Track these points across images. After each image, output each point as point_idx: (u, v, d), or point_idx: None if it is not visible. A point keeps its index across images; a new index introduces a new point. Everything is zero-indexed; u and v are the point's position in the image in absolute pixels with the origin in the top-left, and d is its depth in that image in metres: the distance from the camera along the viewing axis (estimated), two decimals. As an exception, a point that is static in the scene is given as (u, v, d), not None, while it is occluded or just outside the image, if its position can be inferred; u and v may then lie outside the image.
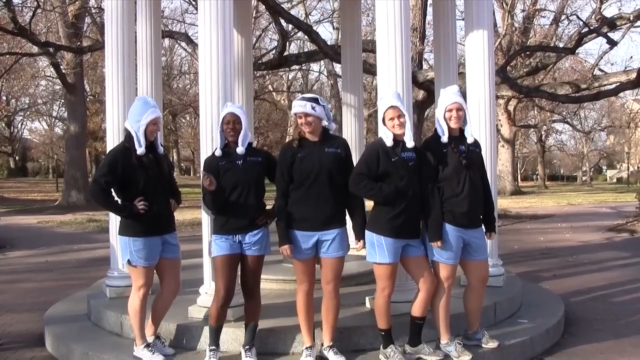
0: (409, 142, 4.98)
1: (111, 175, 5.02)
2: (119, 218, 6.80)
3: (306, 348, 5.05)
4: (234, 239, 5.00)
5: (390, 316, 5.05)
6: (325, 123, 5.02)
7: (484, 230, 5.33)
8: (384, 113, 5.03)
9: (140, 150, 5.03)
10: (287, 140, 39.00)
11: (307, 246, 4.95)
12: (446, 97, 5.16)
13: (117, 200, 5.14)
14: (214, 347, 5.05)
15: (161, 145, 5.33)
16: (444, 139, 5.06)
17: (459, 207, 5.01)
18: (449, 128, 5.08)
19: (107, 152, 5.57)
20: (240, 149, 5.01)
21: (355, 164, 5.07)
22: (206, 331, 5.25)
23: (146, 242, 5.07)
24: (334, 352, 5.01)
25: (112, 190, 5.13)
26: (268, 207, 5.17)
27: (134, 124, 5.09)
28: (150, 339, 5.28)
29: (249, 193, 4.99)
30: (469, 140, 5.11)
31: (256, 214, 5.04)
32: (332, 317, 5.04)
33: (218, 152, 5.06)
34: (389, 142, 4.94)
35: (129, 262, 5.14)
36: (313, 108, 4.90)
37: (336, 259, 4.99)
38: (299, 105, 4.93)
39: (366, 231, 5.04)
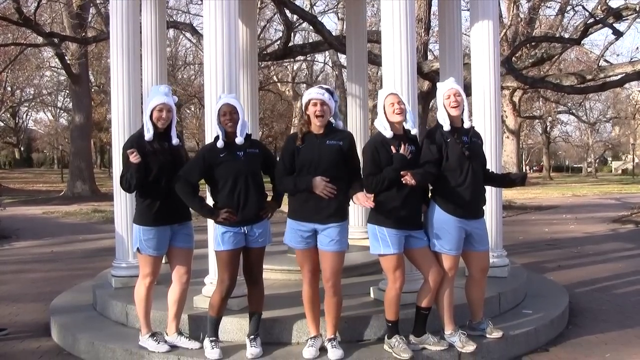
0: (413, 130, 5.04)
1: (126, 166, 5.06)
2: (124, 209, 6.87)
3: (310, 338, 5.06)
4: (241, 231, 4.97)
5: (399, 308, 5.06)
6: (332, 119, 5.01)
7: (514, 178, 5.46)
8: (384, 100, 5.03)
9: (147, 136, 5.05)
10: (291, 131, 38.98)
11: (305, 235, 4.91)
12: (443, 86, 5.22)
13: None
14: (214, 338, 5.06)
15: (177, 136, 5.26)
16: (446, 127, 5.07)
17: (461, 197, 5.02)
18: (450, 117, 5.09)
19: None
20: (239, 139, 4.95)
21: (358, 157, 5.05)
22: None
23: (156, 232, 5.09)
24: (332, 346, 4.98)
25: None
26: (268, 199, 5.16)
27: (145, 111, 5.16)
28: (174, 336, 5.27)
29: (252, 184, 4.97)
30: (466, 125, 5.12)
31: (260, 205, 5.02)
32: (332, 313, 5.02)
33: (220, 144, 4.97)
34: (387, 133, 4.94)
35: (138, 250, 5.18)
36: (329, 99, 4.89)
37: (333, 253, 4.89)
38: (317, 93, 4.90)
39: (368, 224, 5.05)
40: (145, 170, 5.02)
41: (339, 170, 4.88)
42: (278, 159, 5.08)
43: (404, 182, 4.76)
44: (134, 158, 4.95)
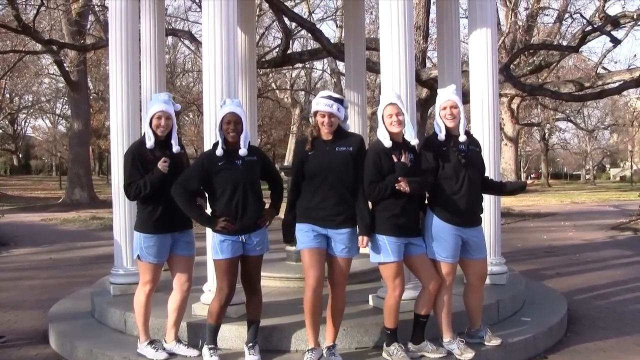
0: (413, 140, 5.03)
1: (132, 176, 5.07)
2: (123, 216, 6.87)
3: (308, 350, 4.99)
4: (239, 239, 4.95)
5: (398, 315, 5.05)
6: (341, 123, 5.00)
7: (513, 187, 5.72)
8: (383, 110, 5.02)
9: (148, 144, 5.06)
10: (290, 138, 38.95)
11: (316, 234, 4.87)
12: (442, 95, 5.20)
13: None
14: (212, 346, 5.05)
15: (178, 144, 5.24)
16: (441, 136, 5.08)
17: (457, 205, 5.03)
18: (447, 127, 5.10)
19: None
20: (242, 151, 4.91)
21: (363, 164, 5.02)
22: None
23: (157, 239, 5.09)
24: (331, 353, 4.97)
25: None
26: (266, 207, 5.15)
27: (145, 119, 5.17)
28: (172, 343, 5.26)
29: (251, 192, 4.94)
30: (461, 139, 5.10)
31: (259, 214, 5.00)
32: (335, 319, 5.01)
33: (219, 152, 4.93)
34: (386, 143, 4.93)
35: (138, 257, 5.18)
36: (338, 109, 4.86)
37: (344, 259, 4.92)
38: (325, 104, 4.84)
39: None
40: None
41: (350, 176, 4.88)
42: (280, 166, 5.07)
43: (398, 188, 4.76)
44: (164, 167, 4.97)
